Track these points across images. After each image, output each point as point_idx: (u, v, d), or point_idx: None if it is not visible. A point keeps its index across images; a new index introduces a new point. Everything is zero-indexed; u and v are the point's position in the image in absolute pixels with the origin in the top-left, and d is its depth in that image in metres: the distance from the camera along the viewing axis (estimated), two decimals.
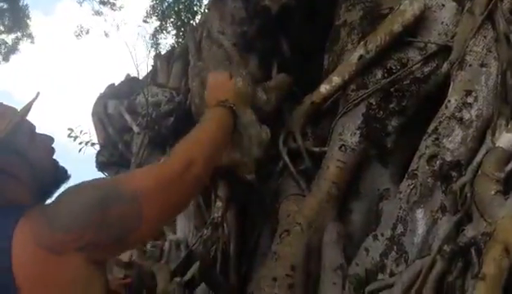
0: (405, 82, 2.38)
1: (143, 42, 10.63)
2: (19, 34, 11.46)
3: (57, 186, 1.37)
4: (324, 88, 2.64)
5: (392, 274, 1.94)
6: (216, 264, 2.63)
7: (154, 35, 10.74)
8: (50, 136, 1.39)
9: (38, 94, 1.35)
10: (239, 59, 2.93)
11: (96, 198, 1.20)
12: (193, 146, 1.46)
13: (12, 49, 11.53)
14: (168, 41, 10.54)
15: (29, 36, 11.53)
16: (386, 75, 2.43)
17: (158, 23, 10.73)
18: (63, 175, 1.40)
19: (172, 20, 10.62)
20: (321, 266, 2.10)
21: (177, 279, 2.79)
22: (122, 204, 1.21)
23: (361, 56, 2.51)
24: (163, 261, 3.23)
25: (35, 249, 1.11)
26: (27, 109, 1.33)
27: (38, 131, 1.40)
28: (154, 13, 10.80)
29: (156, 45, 10.66)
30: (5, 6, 11.03)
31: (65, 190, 1.25)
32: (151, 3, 10.70)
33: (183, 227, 3.47)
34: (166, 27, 10.75)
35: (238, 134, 2.10)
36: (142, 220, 1.24)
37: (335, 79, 2.60)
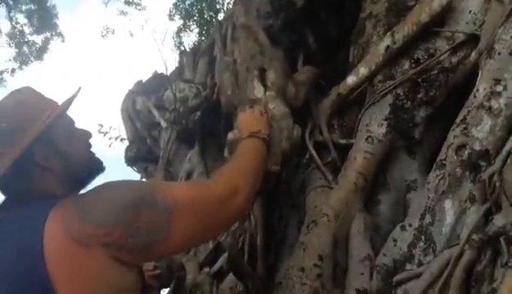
0: (432, 73, 2.35)
1: (168, 40, 10.74)
2: (48, 34, 11.71)
3: (93, 177, 1.43)
4: (351, 79, 2.64)
5: (420, 264, 1.93)
6: (243, 255, 2.67)
7: (178, 34, 10.85)
8: (88, 131, 1.45)
9: (79, 89, 1.39)
10: (272, 52, 2.93)
11: (131, 199, 1.22)
12: (239, 176, 1.52)
13: (43, 48, 11.79)
14: (191, 38, 10.65)
15: (59, 35, 11.77)
16: (413, 65, 2.41)
17: (181, 21, 10.84)
18: (98, 167, 1.46)
19: (195, 18, 10.72)
20: (348, 257, 2.11)
21: (206, 270, 2.84)
22: (154, 212, 1.23)
23: (388, 47, 2.49)
24: (191, 253, 3.29)
25: (65, 238, 1.14)
26: (68, 103, 1.38)
27: (76, 125, 1.44)
28: (177, 12, 10.91)
29: (180, 43, 10.78)
30: (33, 8, 11.28)
31: (102, 185, 1.29)
32: (174, 2, 10.81)
33: None
34: (189, 25, 10.85)
35: (269, 125, 2.14)
36: (170, 233, 1.25)
37: (362, 70, 2.59)
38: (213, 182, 1.52)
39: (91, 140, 1.46)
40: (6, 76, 11.50)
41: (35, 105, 1.33)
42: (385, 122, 2.38)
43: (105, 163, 1.48)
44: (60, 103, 1.38)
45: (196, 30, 10.77)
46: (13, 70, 11.50)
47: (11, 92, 1.37)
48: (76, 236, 1.14)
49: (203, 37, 10.21)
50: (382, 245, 2.11)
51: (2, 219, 1.24)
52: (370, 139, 2.36)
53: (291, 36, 3.13)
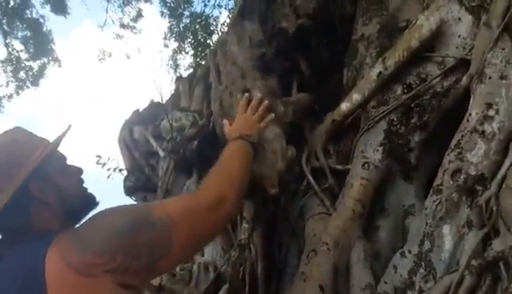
0: (425, 97, 2.38)
1: (164, 63, 10.81)
2: (45, 60, 11.79)
3: (87, 211, 1.43)
4: (344, 106, 2.66)
5: (421, 291, 1.93)
6: (245, 285, 2.65)
7: (173, 56, 10.93)
8: (79, 167, 1.47)
9: (69, 126, 1.43)
10: (254, 74, 2.96)
11: (127, 224, 1.24)
12: (225, 183, 1.55)
13: (40, 74, 11.86)
14: (186, 61, 10.73)
15: (56, 60, 11.84)
16: (406, 91, 2.44)
17: (176, 44, 10.92)
18: (92, 202, 1.46)
19: (189, 40, 10.80)
20: (349, 285, 2.10)
21: None
22: (152, 231, 1.26)
23: (379, 73, 2.52)
24: (192, 284, 3.26)
25: (65, 270, 1.14)
26: (58, 140, 1.41)
27: (68, 162, 1.47)
28: (171, 35, 10.99)
29: (175, 66, 10.85)
30: (29, 34, 11.37)
31: (96, 214, 1.31)
32: (168, 24, 10.90)
33: (211, 249, 3.50)
34: (184, 48, 10.93)
35: (261, 148, 2.14)
36: (171, 249, 1.28)
37: (355, 96, 2.62)
38: (201, 192, 1.55)
39: (82, 176, 1.48)
40: (3, 102, 11.54)
41: (28, 143, 1.36)
42: (380, 148, 2.39)
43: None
44: (51, 140, 1.41)
45: (191, 52, 10.86)
46: (10, 96, 11.55)
47: (4, 132, 1.39)
48: (77, 267, 1.15)
49: (198, 59, 10.29)
50: (382, 272, 2.11)
51: (3, 255, 1.24)
52: (366, 165, 2.37)
53: (284, 63, 3.14)
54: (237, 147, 1.83)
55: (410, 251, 2.04)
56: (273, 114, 2.24)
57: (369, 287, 2.04)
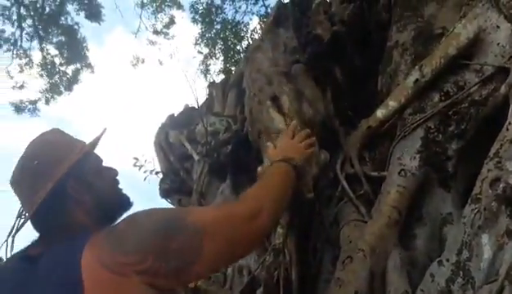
0: (463, 105, 2.36)
1: (196, 69, 10.95)
2: (78, 65, 12.07)
3: (121, 213, 1.46)
4: (380, 113, 2.66)
5: None
6: (279, 289, 2.68)
7: (204, 62, 11.05)
8: (115, 169, 1.51)
9: (105, 129, 1.47)
10: (280, 79, 2.98)
11: (161, 226, 1.26)
12: (264, 197, 1.54)
13: (74, 80, 12.14)
14: (217, 67, 10.84)
15: (89, 66, 12.11)
16: (443, 98, 2.43)
17: (207, 50, 11.04)
18: (126, 203, 1.50)
19: (219, 46, 10.91)
20: (385, 293, 2.11)
21: None
22: (185, 236, 1.27)
23: (416, 80, 2.52)
24: (227, 287, 3.31)
25: (99, 269, 1.18)
26: (95, 142, 1.46)
27: (104, 163, 1.52)
28: (202, 41, 11.11)
29: (206, 71, 10.98)
30: (63, 40, 11.67)
31: (132, 214, 1.34)
32: (200, 31, 11.03)
33: None
34: (215, 53, 11.04)
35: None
36: (201, 256, 1.28)
37: (391, 103, 2.62)
38: (238, 203, 1.55)
39: (118, 177, 1.52)
40: (39, 105, 11.84)
41: (65, 143, 1.42)
42: (417, 155, 2.39)
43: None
44: (87, 142, 1.47)
45: (221, 58, 10.96)
46: (47, 100, 11.84)
47: (41, 133, 1.45)
48: (110, 266, 1.18)
49: (228, 65, 10.37)
50: (419, 280, 2.10)
51: (40, 254, 1.28)
52: (402, 172, 2.36)
53: (318, 70, 3.16)
54: (279, 168, 1.83)
55: (448, 260, 2.03)
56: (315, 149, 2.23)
57: None
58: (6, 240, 1.38)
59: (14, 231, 1.39)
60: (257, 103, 2.85)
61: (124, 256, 1.19)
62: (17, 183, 1.39)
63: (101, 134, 1.47)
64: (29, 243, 1.38)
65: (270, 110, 2.76)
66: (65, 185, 1.34)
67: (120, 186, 1.51)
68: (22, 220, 1.39)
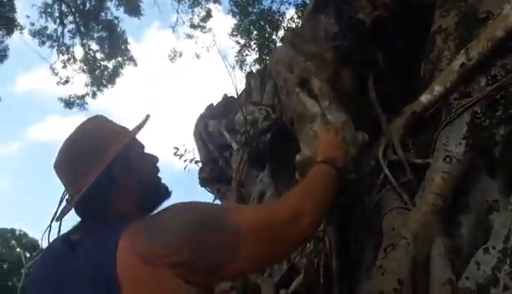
0: (511, 89, 2.28)
1: (231, 59, 10.98)
2: (119, 59, 12.31)
3: (159, 202, 1.48)
4: (425, 98, 2.60)
5: (506, 288, 1.86)
6: (319, 277, 2.67)
7: (240, 52, 11.07)
8: (156, 156, 1.52)
9: (148, 116, 1.48)
10: (304, 61, 2.94)
11: (199, 220, 1.26)
12: (306, 200, 1.53)
13: (116, 73, 12.40)
14: (252, 57, 10.84)
15: (131, 59, 12.33)
16: (490, 82, 2.35)
17: (243, 41, 11.06)
18: (165, 192, 1.51)
19: (255, 36, 10.90)
20: (428, 280, 2.06)
21: (283, 291, 2.86)
22: (223, 233, 1.26)
23: (462, 64, 2.44)
24: (266, 274, 3.32)
25: (133, 257, 1.19)
26: (139, 128, 1.47)
27: (146, 150, 1.54)
28: (238, 32, 11.13)
29: (242, 62, 10.99)
30: (104, 35, 11.92)
31: (171, 205, 1.34)
32: (236, 22, 11.06)
33: None
34: (250, 44, 11.03)
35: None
36: (238, 255, 1.27)
37: (437, 88, 2.55)
38: (279, 206, 1.54)
39: (158, 165, 1.52)
40: (87, 99, 12.14)
41: (110, 129, 1.44)
42: (464, 141, 2.32)
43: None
44: (130, 128, 1.48)
45: (257, 48, 10.95)
46: (94, 94, 12.14)
47: (87, 119, 1.47)
48: (143, 255, 1.18)
49: (263, 55, 10.33)
50: (464, 268, 2.05)
51: (80, 240, 1.31)
52: (448, 158, 2.30)
53: (360, 55, 3.12)
54: (322, 171, 1.81)
55: (494, 248, 1.97)
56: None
57: (449, 283, 1.99)
58: (50, 224, 1.41)
59: (59, 215, 1.41)
60: (285, 94, 2.82)
61: (159, 246, 1.19)
62: (62, 166, 1.40)
63: (145, 120, 1.47)
64: (72, 228, 1.40)
65: (300, 96, 2.73)
66: (112, 170, 1.35)
67: (160, 175, 1.52)
68: (68, 205, 1.40)
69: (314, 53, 2.96)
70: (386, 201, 2.53)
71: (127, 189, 1.38)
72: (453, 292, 1.97)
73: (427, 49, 2.96)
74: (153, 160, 1.51)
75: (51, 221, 1.41)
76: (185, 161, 5.06)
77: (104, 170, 1.32)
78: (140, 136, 1.51)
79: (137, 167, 1.43)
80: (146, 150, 1.52)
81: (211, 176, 4.76)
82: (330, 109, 2.37)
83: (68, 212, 1.39)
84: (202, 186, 4.81)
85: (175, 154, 5.03)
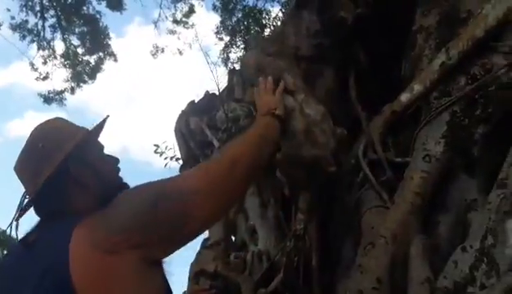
0: (490, 89, 2.29)
1: (214, 56, 10.93)
2: (101, 54, 12.16)
3: None
4: (405, 97, 2.61)
5: (483, 287, 1.87)
6: (299, 275, 2.66)
7: (225, 50, 11.02)
8: (116, 157, 1.52)
9: (107, 116, 1.51)
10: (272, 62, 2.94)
11: (147, 200, 1.29)
12: (238, 147, 1.62)
13: (97, 68, 12.24)
14: (237, 54, 10.78)
15: (112, 54, 12.19)
16: (470, 82, 2.36)
17: (228, 38, 11.00)
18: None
19: (241, 33, 10.85)
20: (407, 279, 2.07)
21: (262, 290, 2.85)
22: (169, 203, 1.30)
23: (442, 63, 2.45)
24: (246, 273, 3.31)
25: (90, 250, 1.18)
26: (97, 128, 1.48)
27: (106, 151, 1.51)
28: (224, 29, 11.07)
29: (226, 59, 10.94)
30: (85, 30, 11.76)
31: (121, 194, 1.35)
32: (220, 19, 10.99)
33: (264, 239, 3.54)
34: (236, 41, 10.99)
35: (310, 131, 2.16)
36: (190, 217, 1.32)
37: (416, 87, 2.56)
38: (216, 159, 1.66)
39: (119, 165, 1.52)
40: (66, 95, 11.97)
41: (68, 129, 1.44)
42: (442, 140, 2.33)
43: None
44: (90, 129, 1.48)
45: (242, 46, 10.91)
46: (72, 89, 11.97)
47: (46, 120, 1.47)
48: (102, 245, 1.19)
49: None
50: (442, 267, 2.06)
51: (37, 238, 1.29)
52: (427, 157, 2.31)
53: (342, 53, 3.11)
54: (260, 120, 1.90)
55: (471, 247, 1.98)
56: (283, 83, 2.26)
57: (428, 282, 2.01)
58: (10, 224, 1.39)
59: (17, 215, 1.40)
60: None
61: (114, 235, 1.21)
62: (22, 167, 1.41)
63: (104, 120, 1.49)
64: (30, 229, 1.37)
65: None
66: (68, 167, 1.35)
67: (120, 174, 1.51)
68: (25, 203, 1.40)
69: (283, 52, 2.95)
70: (365, 199, 2.54)
71: (86, 187, 1.37)
72: (431, 291, 1.98)
73: (408, 48, 2.97)
74: (113, 160, 1.51)
75: (10, 223, 1.39)
76: (165, 158, 5.02)
77: (58, 167, 1.32)
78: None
79: (97, 166, 1.42)
80: (106, 152, 1.52)
81: None
82: (306, 102, 2.35)
83: (25, 212, 1.40)
84: None
85: (155, 152, 4.99)
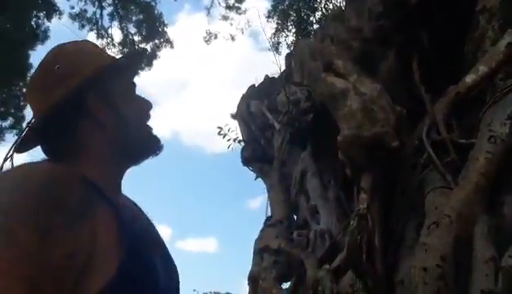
0: None
1: (269, 42, 10.94)
2: (157, 41, 12.43)
3: (145, 154, 1.17)
4: (470, 78, 2.60)
5: None
6: (362, 254, 2.73)
7: (276, 34, 10.99)
8: (148, 100, 1.20)
9: (144, 50, 1.33)
10: (329, 48, 2.96)
11: None
12: None
13: (153, 55, 12.53)
14: (289, 39, 10.72)
15: (168, 41, 12.43)
16: None
17: (279, 22, 10.95)
18: (156, 144, 1.18)
19: (292, 18, 10.77)
20: (471, 258, 2.10)
21: (326, 267, 2.93)
22: None
23: (508, 44, 2.43)
24: (309, 250, 3.41)
25: None
26: (131, 60, 1.24)
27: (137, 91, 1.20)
28: (275, 13, 11.04)
29: (277, 44, 10.92)
30: (141, 17, 12.03)
31: None
32: (272, 4, 10.96)
33: (326, 218, 3.62)
34: (287, 26, 10.92)
35: (369, 109, 2.17)
36: None
37: (482, 68, 2.55)
38: None
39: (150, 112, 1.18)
40: None
41: (94, 53, 1.18)
42: (508, 122, 2.32)
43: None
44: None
45: (293, 30, 10.86)
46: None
47: (74, 41, 1.24)
48: None
49: (300, 37, 10.25)
50: (506, 247, 2.08)
51: None
52: (492, 139, 2.31)
53: (404, 36, 3.12)
54: None
55: None
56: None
57: (492, 260, 2.03)
58: (11, 155, 1.29)
59: (17, 144, 1.19)
60: (313, 81, 2.85)
61: None
62: (32, 87, 1.18)
63: (139, 53, 1.18)
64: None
65: (327, 78, 2.77)
66: (84, 96, 1.08)
67: (150, 124, 1.18)
68: (28, 131, 1.15)
69: (339, 40, 3.00)
70: (429, 180, 2.56)
71: (102, 126, 1.09)
72: (496, 270, 2.01)
73: (471, 29, 2.94)
74: (145, 104, 1.18)
75: (9, 152, 1.12)
76: (228, 140, 5.19)
77: (71, 92, 1.06)
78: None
79: (121, 107, 1.12)
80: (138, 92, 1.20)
81: (253, 156, 4.84)
82: (360, 81, 2.39)
83: (26, 140, 1.14)
84: (244, 165, 4.92)
85: (219, 134, 5.16)
